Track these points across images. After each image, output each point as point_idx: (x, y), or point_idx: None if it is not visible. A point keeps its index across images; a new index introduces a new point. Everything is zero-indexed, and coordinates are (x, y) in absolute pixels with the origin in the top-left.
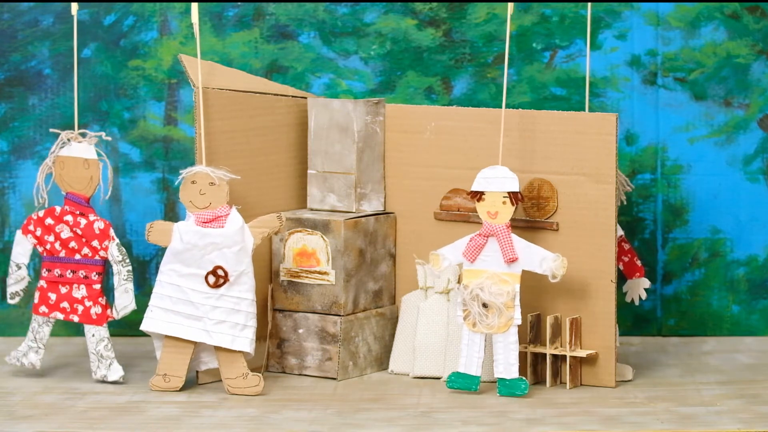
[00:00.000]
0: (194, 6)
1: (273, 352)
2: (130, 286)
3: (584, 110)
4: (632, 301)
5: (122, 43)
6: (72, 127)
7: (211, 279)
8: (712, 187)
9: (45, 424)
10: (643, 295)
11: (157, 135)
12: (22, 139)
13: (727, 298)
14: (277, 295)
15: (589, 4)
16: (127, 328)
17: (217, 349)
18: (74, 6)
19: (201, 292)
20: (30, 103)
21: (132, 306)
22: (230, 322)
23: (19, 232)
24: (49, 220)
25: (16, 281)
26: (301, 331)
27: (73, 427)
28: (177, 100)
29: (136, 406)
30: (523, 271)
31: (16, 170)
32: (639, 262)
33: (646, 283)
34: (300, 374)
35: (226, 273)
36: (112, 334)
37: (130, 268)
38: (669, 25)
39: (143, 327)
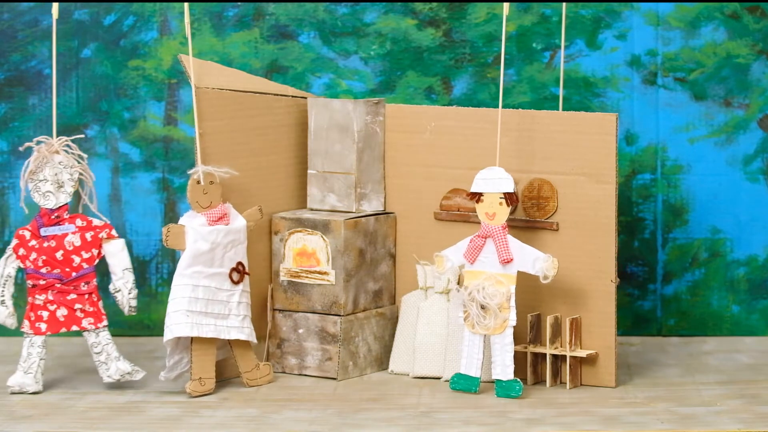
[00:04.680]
0: (186, 6)
1: (273, 352)
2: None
3: (583, 110)
4: None
5: (122, 43)
6: (72, 128)
7: (235, 276)
8: (712, 187)
9: (45, 424)
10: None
11: (157, 135)
12: (22, 139)
13: (727, 298)
14: (277, 295)
15: (564, 4)
16: (127, 328)
17: (235, 344)
18: (55, 6)
19: (225, 290)
20: (30, 103)
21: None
22: (248, 316)
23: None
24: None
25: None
26: (301, 331)
27: (73, 427)
28: (177, 100)
29: (136, 406)
30: (522, 272)
31: (16, 170)
32: None
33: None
34: (300, 374)
35: (244, 267)
36: (113, 334)
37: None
38: (669, 25)
39: (179, 333)
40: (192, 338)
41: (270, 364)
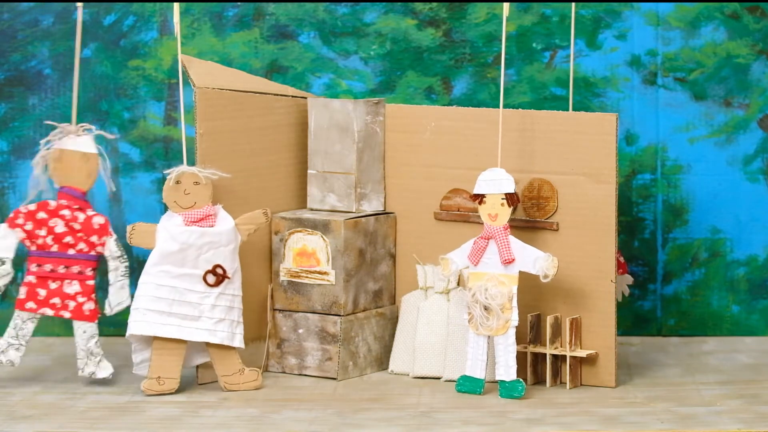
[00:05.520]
0: (176, 6)
1: (273, 352)
2: (127, 282)
3: (583, 110)
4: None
5: (122, 43)
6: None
7: (211, 278)
8: (712, 187)
9: (45, 424)
10: (626, 291)
11: (157, 135)
12: (22, 139)
13: (727, 298)
14: (277, 295)
15: (573, 5)
16: (122, 327)
17: (211, 347)
18: (80, 6)
19: (197, 291)
20: (30, 103)
21: (127, 302)
22: (228, 320)
23: (4, 225)
24: (41, 214)
25: (1, 276)
26: (301, 331)
27: (73, 427)
28: (177, 100)
29: (136, 406)
30: (522, 272)
31: (16, 170)
32: (622, 259)
33: (629, 279)
34: (300, 374)
35: (224, 271)
36: (111, 334)
37: (127, 264)
38: (669, 25)
39: (136, 331)
40: (154, 337)
41: (257, 371)
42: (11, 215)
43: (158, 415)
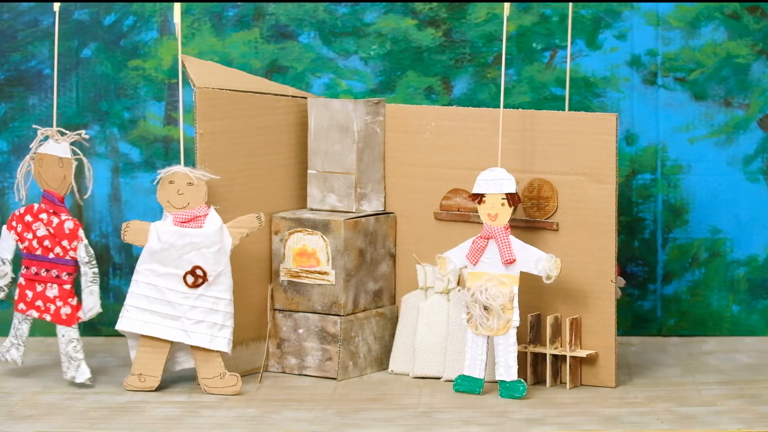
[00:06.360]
0: (177, 6)
1: (273, 352)
2: (96, 288)
3: (583, 110)
4: None
5: (122, 43)
6: (72, 128)
7: (190, 279)
8: (712, 187)
9: (45, 424)
10: (618, 294)
11: (157, 135)
12: (22, 139)
13: (727, 298)
14: (277, 295)
15: (570, 4)
16: None
17: (194, 348)
18: (56, 5)
19: (179, 291)
20: (30, 103)
21: (98, 308)
22: (208, 322)
23: (4, 228)
24: (28, 217)
25: (0, 276)
26: (301, 331)
27: (73, 427)
28: (177, 100)
29: (136, 406)
30: (522, 272)
31: (15, 170)
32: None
33: (621, 282)
34: (300, 374)
35: (204, 273)
36: (110, 334)
37: (96, 270)
38: (669, 25)
39: (118, 326)
40: (141, 334)
41: (237, 376)
42: (9, 217)
43: (158, 415)
